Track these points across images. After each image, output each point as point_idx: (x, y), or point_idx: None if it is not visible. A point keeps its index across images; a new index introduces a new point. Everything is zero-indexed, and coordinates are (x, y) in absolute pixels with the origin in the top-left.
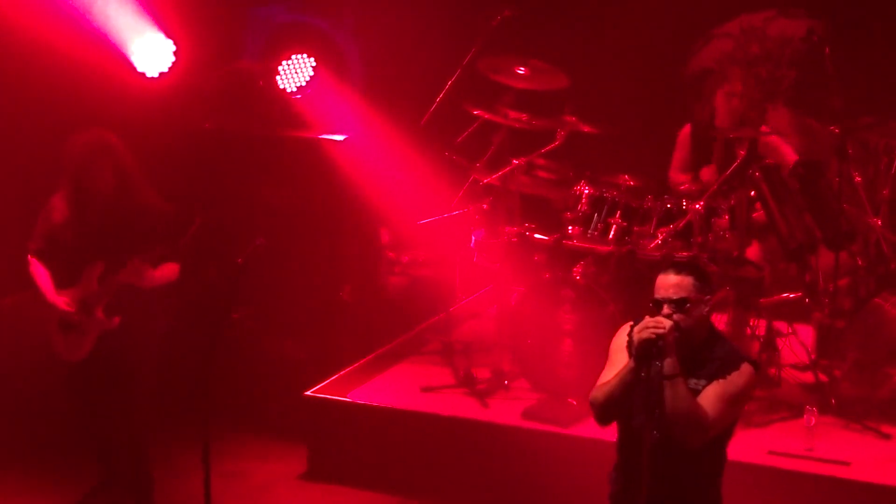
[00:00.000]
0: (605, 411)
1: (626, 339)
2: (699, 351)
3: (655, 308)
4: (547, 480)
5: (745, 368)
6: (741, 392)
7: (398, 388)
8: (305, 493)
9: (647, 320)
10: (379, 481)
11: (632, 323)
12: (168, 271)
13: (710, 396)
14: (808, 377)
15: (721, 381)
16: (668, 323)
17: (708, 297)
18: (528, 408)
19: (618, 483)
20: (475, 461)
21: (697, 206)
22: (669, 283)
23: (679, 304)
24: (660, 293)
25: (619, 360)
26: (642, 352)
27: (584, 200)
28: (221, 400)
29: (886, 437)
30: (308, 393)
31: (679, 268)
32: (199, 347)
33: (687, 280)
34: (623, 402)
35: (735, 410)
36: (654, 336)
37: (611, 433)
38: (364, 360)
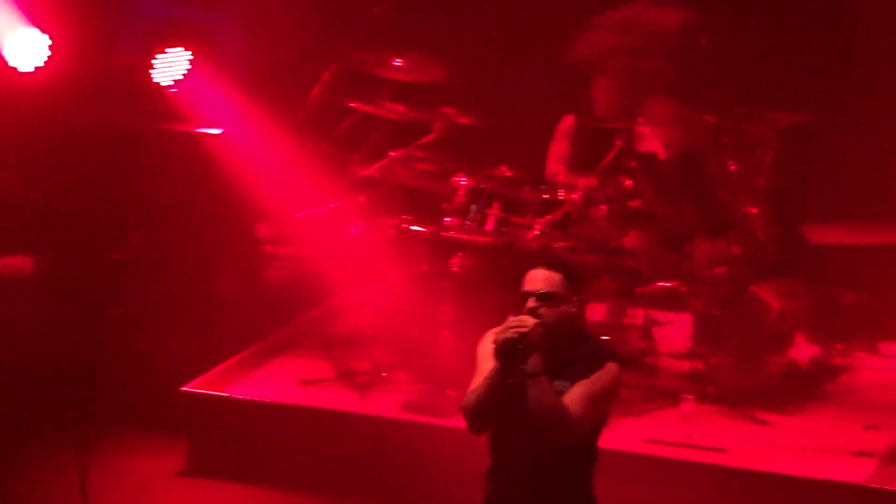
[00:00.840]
0: (476, 418)
1: (492, 345)
2: (565, 351)
3: (522, 300)
4: (427, 472)
5: (611, 367)
6: (606, 391)
7: (277, 382)
8: (184, 489)
9: (511, 320)
10: (259, 476)
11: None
12: (13, 264)
13: (575, 396)
14: (686, 365)
15: (586, 381)
16: (531, 321)
17: (576, 297)
18: (407, 400)
19: (491, 484)
20: (355, 454)
21: (574, 196)
22: (538, 278)
23: (544, 298)
24: (527, 286)
25: (486, 367)
26: (506, 352)
27: (461, 192)
28: (98, 396)
29: (763, 423)
30: (186, 388)
31: (550, 264)
32: (74, 343)
33: (556, 276)
34: (493, 407)
35: (600, 409)
36: (517, 335)
37: None
38: (242, 355)
